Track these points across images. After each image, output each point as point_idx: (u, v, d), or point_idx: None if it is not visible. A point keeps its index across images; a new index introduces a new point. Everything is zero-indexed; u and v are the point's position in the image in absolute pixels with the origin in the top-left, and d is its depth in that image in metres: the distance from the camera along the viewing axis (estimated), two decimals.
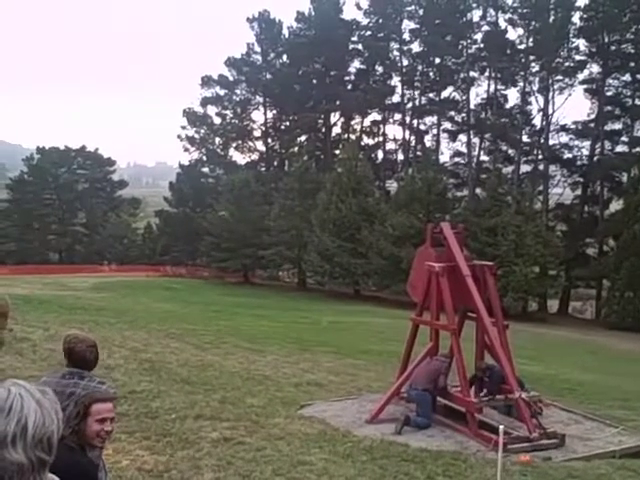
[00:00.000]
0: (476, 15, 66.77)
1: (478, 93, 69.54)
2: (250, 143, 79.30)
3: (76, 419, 3.64)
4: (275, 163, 79.06)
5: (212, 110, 77.96)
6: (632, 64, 60.10)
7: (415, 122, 72.99)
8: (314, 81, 74.47)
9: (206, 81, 76.50)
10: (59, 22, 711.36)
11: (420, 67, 71.60)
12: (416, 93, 72.38)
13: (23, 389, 1.52)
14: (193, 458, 7.93)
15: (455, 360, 10.73)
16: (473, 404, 10.22)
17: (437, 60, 69.47)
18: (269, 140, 78.65)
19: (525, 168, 67.30)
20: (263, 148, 79.06)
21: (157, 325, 21.17)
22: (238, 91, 77.52)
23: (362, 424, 10.55)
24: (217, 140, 79.17)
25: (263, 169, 77.95)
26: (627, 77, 61.62)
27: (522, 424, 9.99)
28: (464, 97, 69.42)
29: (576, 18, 61.44)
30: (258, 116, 78.04)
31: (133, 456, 7.76)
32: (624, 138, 62.92)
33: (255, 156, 79.94)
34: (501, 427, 8.20)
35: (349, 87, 74.33)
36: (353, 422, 10.61)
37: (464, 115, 69.78)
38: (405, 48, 71.23)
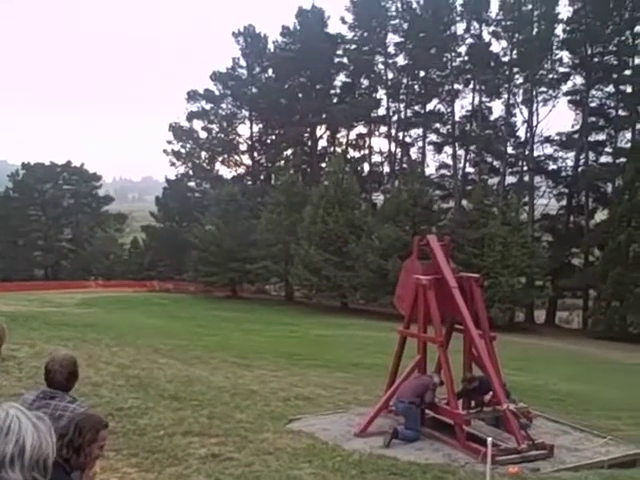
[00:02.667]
0: (460, 28, 67.27)
1: (463, 105, 69.88)
2: (236, 157, 79.32)
3: (87, 444, 3.79)
4: (261, 177, 79.06)
5: (198, 124, 77.97)
6: (615, 75, 60.69)
7: (401, 135, 73.25)
8: (300, 95, 74.64)
9: (192, 95, 76.55)
10: (43, 38, 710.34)
11: (405, 80, 71.91)
12: (401, 106, 72.69)
13: (20, 412, 1.54)
14: (182, 475, 7.90)
15: (442, 372, 10.74)
16: (461, 416, 10.23)
17: (422, 73, 69.75)
18: (255, 154, 78.68)
19: (510, 179, 67.72)
20: (249, 162, 79.07)
21: (144, 341, 21.09)
22: (224, 105, 77.60)
23: (351, 438, 10.54)
24: (203, 154, 79.10)
25: (249, 183, 77.95)
26: (610, 88, 62.21)
27: (510, 435, 10.01)
28: (449, 109, 69.80)
29: (559, 30, 62.16)
30: (244, 130, 78.13)
31: (121, 473, 7.72)
32: (608, 149, 63.42)
33: (241, 170, 79.98)
34: (489, 439, 8.22)
35: (335, 100, 74.50)
36: (342, 436, 10.60)
37: (449, 127, 70.10)
38: (390, 61, 71.53)
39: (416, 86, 71.76)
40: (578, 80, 63.44)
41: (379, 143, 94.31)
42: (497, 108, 68.42)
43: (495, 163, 68.61)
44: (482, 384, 10.83)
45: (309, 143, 77.58)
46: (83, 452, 3.76)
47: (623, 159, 58.70)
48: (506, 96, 65.81)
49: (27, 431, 1.51)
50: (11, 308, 29.93)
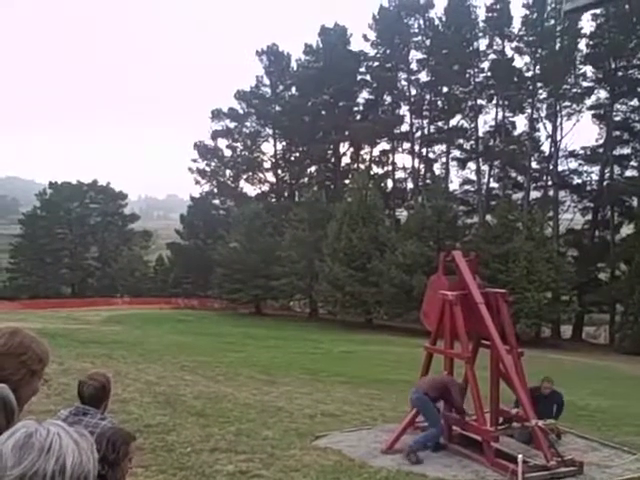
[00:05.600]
0: (482, 44, 67.52)
1: (486, 121, 69.95)
2: (260, 174, 79.88)
3: (121, 458, 3.85)
4: (285, 194, 79.46)
5: (222, 143, 78.82)
6: (639, 89, 60.37)
7: (424, 151, 73.33)
8: (323, 112, 75.02)
9: (216, 114, 77.30)
10: (69, 58, 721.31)
11: (428, 96, 72.09)
12: (424, 122, 72.83)
13: (61, 429, 1.57)
14: None
15: (470, 388, 10.68)
16: (489, 432, 10.17)
17: (445, 89, 69.89)
18: (279, 171, 79.13)
19: (535, 194, 67.41)
20: (273, 179, 79.55)
21: (171, 358, 21.18)
22: (248, 123, 78.27)
23: (378, 454, 10.49)
24: (228, 172, 79.77)
25: (273, 200, 78.37)
26: (635, 102, 61.88)
27: (539, 452, 9.91)
28: (472, 125, 69.76)
29: (582, 45, 62.14)
30: (268, 148, 78.75)
31: None
32: (633, 163, 63.06)
33: (265, 187, 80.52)
34: (520, 456, 8.17)
35: (358, 117, 74.83)
36: (369, 453, 10.55)
37: (473, 143, 70.03)
38: (413, 78, 71.79)
39: (439, 102, 71.89)
40: (602, 94, 63.28)
41: (402, 159, 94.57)
42: (521, 123, 68.32)
43: (519, 178, 68.34)
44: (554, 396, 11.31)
45: (333, 160, 77.84)
46: (119, 467, 3.83)
47: None
48: (530, 111, 65.69)
49: (68, 448, 1.53)
50: (39, 325, 30.18)
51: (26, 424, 1.58)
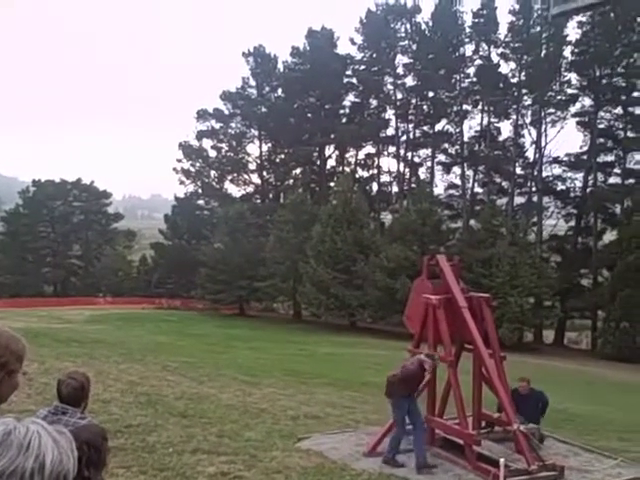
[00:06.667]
0: (469, 49, 67.83)
1: (471, 126, 70.27)
2: (245, 176, 79.69)
3: (104, 456, 3.84)
4: (270, 195, 79.37)
5: (207, 143, 78.60)
6: (623, 97, 60.91)
7: (409, 154, 73.46)
8: (309, 114, 75.05)
9: (202, 114, 77.08)
10: (54, 56, 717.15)
11: (414, 100, 72.25)
12: (410, 126, 72.98)
13: (41, 427, 1.56)
14: None
15: (453, 392, 10.70)
16: (471, 436, 10.18)
17: (431, 94, 70.09)
18: (264, 173, 79.01)
19: (519, 200, 67.74)
20: (258, 181, 79.42)
21: (153, 358, 21.05)
22: (233, 124, 78.13)
23: (360, 457, 10.49)
24: (212, 173, 79.55)
25: (258, 201, 78.24)
26: (619, 110, 62.36)
27: (520, 456, 9.94)
28: (458, 130, 70.01)
29: (567, 52, 62.58)
30: (253, 149, 78.61)
31: None
32: (616, 170, 63.48)
33: (250, 189, 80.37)
34: (502, 460, 8.18)
35: (344, 120, 74.86)
36: (351, 455, 10.54)
37: (458, 148, 70.27)
38: (399, 82, 71.92)
39: (425, 106, 72.10)
40: (586, 102, 63.78)
41: (388, 163, 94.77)
42: (506, 129, 68.76)
43: (503, 183, 68.68)
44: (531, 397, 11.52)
45: (318, 162, 77.84)
46: (102, 465, 3.80)
47: (632, 180, 58.68)
48: (515, 117, 66.07)
49: (47, 446, 1.52)
50: (21, 324, 29.95)
51: (5, 422, 1.56)
